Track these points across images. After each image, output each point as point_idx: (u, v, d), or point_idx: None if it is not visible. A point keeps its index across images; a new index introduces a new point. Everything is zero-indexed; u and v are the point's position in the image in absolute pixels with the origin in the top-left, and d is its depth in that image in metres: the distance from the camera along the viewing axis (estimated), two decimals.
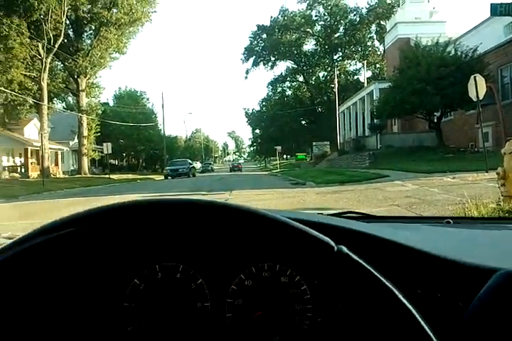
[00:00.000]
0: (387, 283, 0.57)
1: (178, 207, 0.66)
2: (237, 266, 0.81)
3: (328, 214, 1.33)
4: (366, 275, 0.58)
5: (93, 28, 38.27)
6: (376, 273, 0.58)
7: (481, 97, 12.53)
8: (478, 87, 12.43)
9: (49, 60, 33.10)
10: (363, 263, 0.59)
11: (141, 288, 0.81)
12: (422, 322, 0.54)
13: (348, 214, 1.40)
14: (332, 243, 0.60)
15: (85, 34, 38.91)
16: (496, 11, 5.37)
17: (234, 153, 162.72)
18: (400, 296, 0.56)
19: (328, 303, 0.76)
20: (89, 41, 38.31)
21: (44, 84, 32.16)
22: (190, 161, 39.08)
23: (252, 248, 0.76)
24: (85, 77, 37.21)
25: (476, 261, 0.71)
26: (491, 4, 5.35)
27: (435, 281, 0.72)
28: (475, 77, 12.63)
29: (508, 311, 0.59)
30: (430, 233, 1.08)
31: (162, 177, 35.62)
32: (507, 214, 5.12)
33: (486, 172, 10.94)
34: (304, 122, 58.50)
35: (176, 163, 37.12)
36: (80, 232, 0.65)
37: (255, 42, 56.64)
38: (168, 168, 36.27)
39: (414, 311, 0.55)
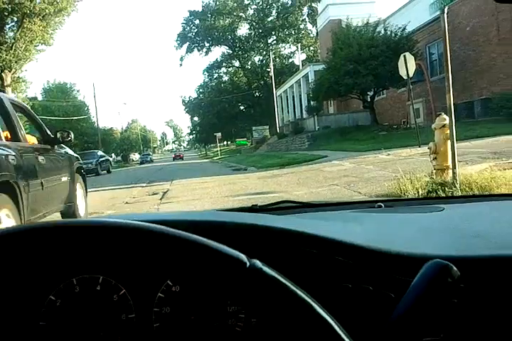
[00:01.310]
0: (304, 297, 0.53)
1: (77, 230, 0.59)
2: (161, 272, 0.74)
3: (262, 206, 1.34)
4: (282, 291, 0.53)
5: (15, 19, 36.17)
6: (293, 287, 0.54)
7: (411, 75, 12.86)
8: (407, 65, 12.75)
9: None
10: (279, 278, 0.54)
11: (58, 305, 0.73)
12: (341, 333, 0.53)
13: (282, 204, 1.38)
14: (244, 258, 0.54)
15: (7, 26, 36.70)
16: None
17: (173, 142, 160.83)
18: (318, 308, 0.53)
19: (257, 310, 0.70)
20: (12, 34, 36.19)
21: None
22: (101, 153, 30.94)
23: (164, 263, 0.69)
24: (10, 72, 35.25)
25: (407, 250, 0.71)
26: None
27: (365, 274, 0.71)
28: (404, 56, 12.93)
29: (438, 301, 0.58)
30: (361, 221, 1.07)
31: None
32: (440, 187, 5.28)
33: (419, 147, 11.33)
34: (242, 107, 58.49)
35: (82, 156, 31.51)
36: None
37: (188, 28, 55.64)
38: None
39: (332, 322, 0.53)
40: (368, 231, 0.91)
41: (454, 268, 0.59)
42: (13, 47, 34.53)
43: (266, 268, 0.54)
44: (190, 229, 0.59)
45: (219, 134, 45.93)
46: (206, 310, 0.74)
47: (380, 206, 1.27)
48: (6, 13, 35.37)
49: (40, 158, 5.19)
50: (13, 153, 4.38)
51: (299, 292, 0.53)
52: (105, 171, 28.95)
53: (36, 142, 5.76)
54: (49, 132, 6.07)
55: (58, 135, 5.97)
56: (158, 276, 0.74)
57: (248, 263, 0.54)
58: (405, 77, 12.99)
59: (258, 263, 0.55)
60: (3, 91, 35.30)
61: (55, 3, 35.11)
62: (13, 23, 36.75)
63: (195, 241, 0.56)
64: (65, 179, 5.95)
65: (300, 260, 0.72)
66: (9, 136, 4.87)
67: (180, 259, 0.57)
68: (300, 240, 0.73)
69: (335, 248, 0.72)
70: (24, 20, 34.76)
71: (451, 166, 5.63)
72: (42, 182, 4.98)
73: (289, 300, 0.53)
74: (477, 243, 0.79)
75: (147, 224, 0.58)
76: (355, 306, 0.70)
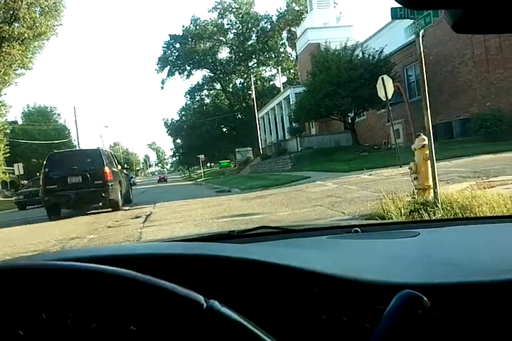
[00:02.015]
0: (264, 337, 0.51)
1: (23, 274, 0.59)
2: (121, 315, 0.70)
3: (239, 231, 1.35)
4: (241, 332, 0.51)
5: None
6: (252, 328, 0.52)
7: (389, 97, 13.12)
8: (386, 86, 13.01)
9: None
10: (238, 319, 0.52)
11: (27, 340, 0.69)
12: None
13: (260, 230, 1.38)
14: (201, 299, 0.53)
15: None
16: (396, 14, 5.59)
17: (156, 164, 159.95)
18: None
19: None
20: None
21: None
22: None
23: (116, 307, 0.66)
24: None
25: (380, 278, 0.71)
26: (391, 8, 5.62)
27: (339, 304, 0.70)
28: (382, 78, 13.21)
29: (410, 333, 0.58)
30: (337, 248, 1.08)
31: None
32: (422, 206, 5.34)
33: (400, 167, 11.47)
34: (225, 129, 58.67)
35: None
36: None
37: (169, 51, 56.06)
38: None
39: None
40: (342, 259, 0.93)
41: (425, 298, 0.60)
42: None
43: (225, 309, 0.53)
44: (150, 264, 0.59)
45: (202, 156, 45.87)
46: None
47: (357, 231, 1.29)
48: None
49: (122, 174, 14.11)
50: (118, 172, 13.56)
51: (259, 333, 0.52)
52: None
53: (120, 168, 14.38)
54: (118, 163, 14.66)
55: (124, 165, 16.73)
56: (120, 318, 0.72)
57: (205, 305, 0.52)
58: (384, 99, 13.24)
59: (216, 303, 0.53)
60: None
61: (34, 27, 35.05)
62: None
63: (147, 282, 0.55)
64: (127, 182, 14.97)
65: (271, 291, 0.71)
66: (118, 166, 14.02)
67: (135, 302, 0.56)
68: (274, 271, 0.72)
69: (308, 278, 0.71)
70: (3, 45, 34.59)
71: (432, 186, 5.71)
72: (124, 182, 14.05)
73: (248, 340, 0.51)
74: (448, 270, 0.80)
75: (98, 266, 0.57)
76: (329, 337, 0.69)
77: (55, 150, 17.74)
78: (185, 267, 0.71)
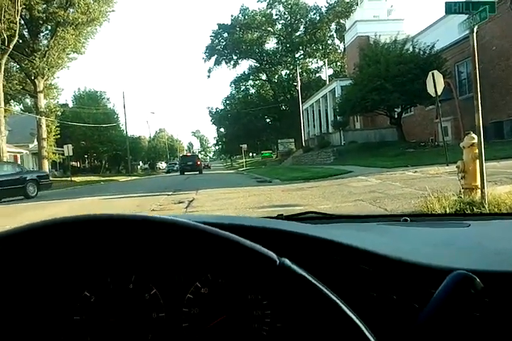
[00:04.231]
0: (331, 296, 0.56)
1: (108, 224, 0.63)
2: (191, 274, 0.78)
3: (287, 216, 1.36)
4: (310, 289, 0.57)
5: (49, 28, 37.15)
6: (320, 286, 0.57)
7: (439, 93, 12.85)
8: (436, 82, 12.74)
9: (3, 61, 31.92)
10: (307, 276, 0.58)
11: (92, 301, 0.76)
12: (367, 332, 0.54)
13: (308, 215, 1.41)
14: (274, 257, 0.58)
15: (41, 34, 37.64)
16: (451, 9, 5.47)
17: (199, 152, 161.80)
18: (344, 308, 0.55)
19: (285, 308, 0.74)
20: (45, 42, 37.08)
21: None
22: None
23: (199, 260, 0.73)
24: (43, 78, 36.11)
25: (431, 262, 0.72)
26: (446, 3, 5.49)
27: (390, 283, 0.72)
28: (433, 74, 12.93)
29: (460, 312, 0.60)
30: (387, 233, 1.09)
31: (126, 179, 35.01)
32: (468, 206, 5.27)
33: (447, 165, 11.24)
34: (268, 120, 58.75)
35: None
36: (12, 250, 0.63)
37: (216, 40, 56.39)
38: None
39: (358, 322, 0.55)
40: (393, 242, 0.94)
41: (477, 279, 0.62)
42: (47, 55, 35.35)
43: (295, 267, 0.58)
44: (225, 229, 0.62)
45: (245, 146, 46.13)
46: (233, 313, 0.75)
47: (406, 220, 1.28)
48: (41, 22, 36.38)
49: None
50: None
51: (325, 290, 0.57)
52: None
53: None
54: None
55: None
56: (192, 274, 0.77)
57: (278, 261, 0.58)
58: (433, 95, 12.97)
59: (287, 261, 0.58)
60: (36, 97, 36.23)
61: (87, 12, 35.92)
62: (47, 32, 37.73)
63: (228, 238, 0.60)
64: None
65: (327, 267, 0.73)
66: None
67: (214, 255, 0.62)
68: (327, 247, 0.75)
69: (360, 257, 0.73)
70: (58, 29, 35.60)
71: (479, 186, 5.62)
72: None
73: (316, 297, 0.56)
74: (499, 259, 0.80)
75: (183, 220, 0.62)
76: (379, 314, 0.70)
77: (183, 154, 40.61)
78: (255, 237, 0.74)
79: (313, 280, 0.58)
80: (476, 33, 5.54)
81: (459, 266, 0.69)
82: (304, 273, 0.58)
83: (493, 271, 0.71)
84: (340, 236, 0.79)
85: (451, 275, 0.64)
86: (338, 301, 0.56)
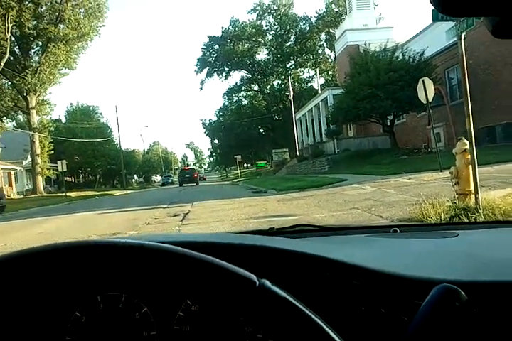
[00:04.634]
0: (313, 317, 0.56)
1: (95, 250, 0.63)
2: (181, 291, 0.77)
3: (279, 228, 1.37)
4: (290, 310, 0.56)
5: (40, 44, 37.31)
6: (301, 307, 0.56)
7: (430, 99, 12.92)
8: (427, 89, 12.82)
9: None
10: (288, 298, 0.57)
11: (83, 321, 0.77)
12: None
13: (299, 228, 1.41)
14: (253, 278, 0.58)
15: (32, 51, 37.85)
16: (438, 16, 5.53)
17: (194, 164, 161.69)
18: (327, 328, 0.55)
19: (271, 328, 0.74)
20: (37, 58, 37.25)
21: None
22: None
23: (179, 281, 0.73)
24: (35, 95, 36.18)
25: (417, 274, 0.72)
26: (433, 10, 5.51)
27: (378, 297, 0.72)
28: (423, 80, 13.02)
29: (447, 325, 0.60)
30: (375, 245, 1.10)
31: (121, 192, 34.92)
32: (462, 211, 5.28)
33: (440, 171, 11.27)
34: (261, 130, 58.89)
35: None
36: (6, 274, 0.63)
37: (208, 53, 56.68)
38: None
39: None
40: (381, 255, 0.94)
41: (462, 292, 0.63)
42: (38, 71, 35.40)
43: (275, 288, 0.57)
44: (204, 250, 0.62)
45: (239, 157, 46.18)
46: (224, 329, 0.75)
47: (396, 231, 1.28)
48: (32, 38, 36.50)
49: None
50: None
51: (306, 311, 0.56)
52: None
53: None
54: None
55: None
56: (178, 295, 0.76)
57: (258, 283, 0.57)
58: (424, 102, 13.04)
59: (267, 282, 0.58)
60: (28, 113, 36.16)
61: (78, 28, 36.10)
62: (38, 48, 37.87)
63: (206, 261, 0.60)
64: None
65: (314, 282, 0.74)
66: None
67: (195, 279, 0.61)
68: (314, 263, 0.75)
69: (349, 271, 0.73)
70: (49, 45, 35.74)
71: (473, 191, 5.63)
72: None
73: (297, 318, 0.55)
74: (487, 269, 0.80)
75: (166, 245, 0.62)
76: (368, 328, 0.71)
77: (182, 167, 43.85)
78: (241, 255, 0.75)
79: (294, 302, 0.57)
80: (465, 39, 5.58)
81: (445, 278, 0.69)
82: (285, 295, 0.57)
83: (479, 282, 0.72)
84: (327, 251, 0.80)
85: (436, 288, 0.64)
86: (319, 322, 0.55)
